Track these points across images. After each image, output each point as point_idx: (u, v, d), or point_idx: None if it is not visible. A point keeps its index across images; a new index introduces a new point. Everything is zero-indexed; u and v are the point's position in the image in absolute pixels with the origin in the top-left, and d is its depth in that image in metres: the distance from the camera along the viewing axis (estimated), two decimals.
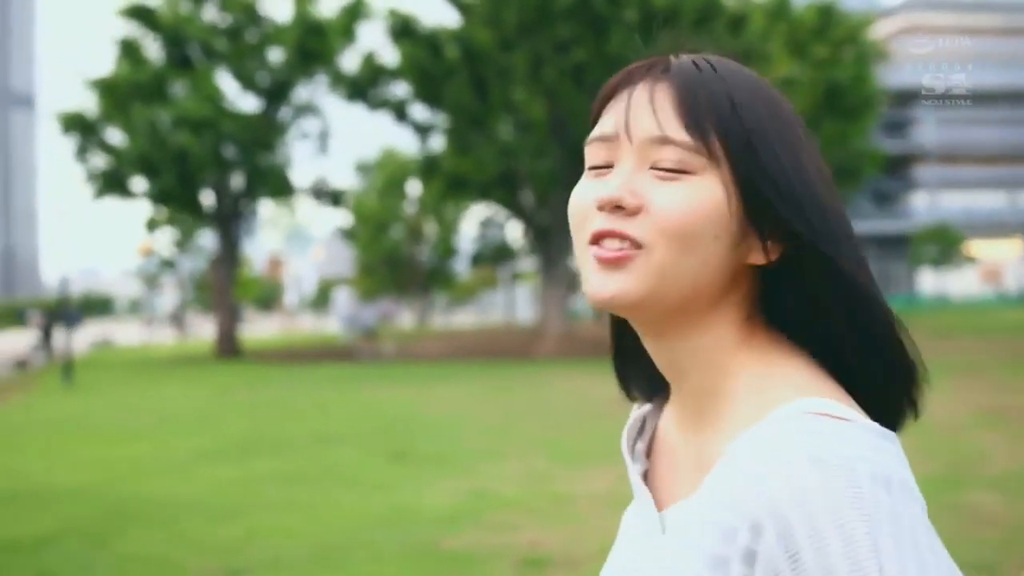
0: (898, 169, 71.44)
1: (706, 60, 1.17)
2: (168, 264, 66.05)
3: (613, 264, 1.10)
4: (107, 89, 34.16)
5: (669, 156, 1.11)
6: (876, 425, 1.07)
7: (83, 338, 49.58)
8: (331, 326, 73.42)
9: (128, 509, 9.76)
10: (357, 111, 66.86)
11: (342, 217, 62.44)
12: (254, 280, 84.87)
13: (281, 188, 35.91)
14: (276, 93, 36.21)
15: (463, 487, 10.25)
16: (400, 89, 33.25)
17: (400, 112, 33.53)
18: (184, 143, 31.80)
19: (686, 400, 1.21)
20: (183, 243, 63.68)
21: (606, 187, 1.12)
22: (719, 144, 1.10)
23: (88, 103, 34.66)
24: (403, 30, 30.38)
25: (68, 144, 34.34)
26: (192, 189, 34.80)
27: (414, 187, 62.15)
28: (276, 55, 35.91)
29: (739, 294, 1.17)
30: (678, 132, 1.10)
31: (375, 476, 11.05)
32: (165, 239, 62.54)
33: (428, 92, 30.91)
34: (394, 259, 64.03)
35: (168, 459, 12.93)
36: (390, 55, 33.06)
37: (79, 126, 34.28)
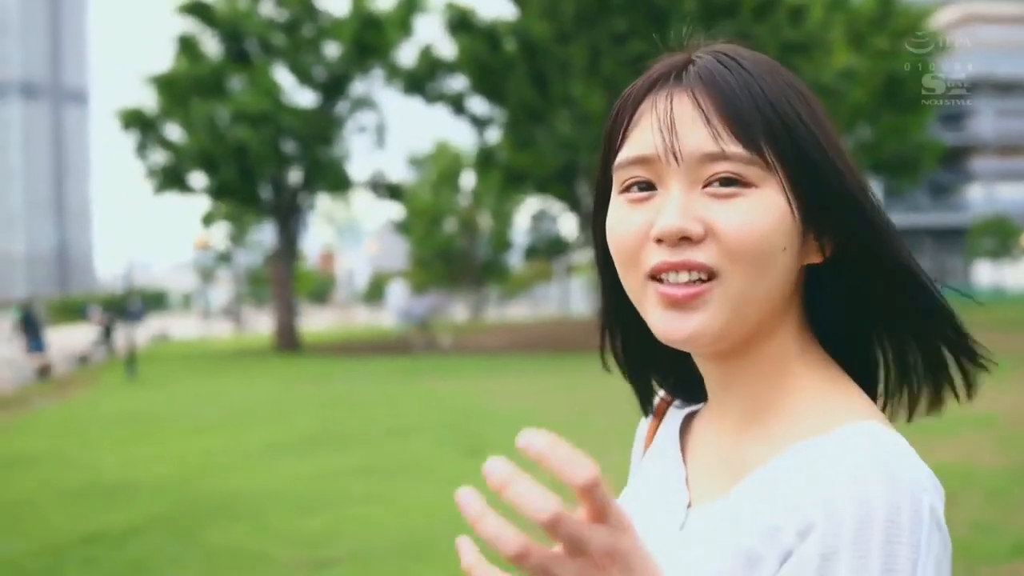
0: (955, 161, 70.65)
1: (729, 56, 1.10)
2: (224, 258, 66.54)
3: (686, 303, 1.05)
4: (166, 85, 34.44)
5: (727, 171, 1.04)
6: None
7: (141, 332, 50.00)
8: (385, 319, 73.82)
9: (210, 502, 9.81)
10: (412, 105, 66.91)
11: (393, 210, 62.59)
12: (308, 274, 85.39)
13: (339, 182, 36.03)
14: (333, 87, 36.35)
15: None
16: (457, 83, 33.31)
17: (457, 105, 33.59)
18: (243, 138, 32.01)
19: (728, 407, 1.17)
20: (238, 237, 64.14)
21: (665, 215, 1.05)
22: (770, 151, 1.05)
23: (147, 99, 34.93)
24: (460, 23, 30.41)
25: (121, 140, 34.73)
26: (251, 183, 35.00)
27: (468, 180, 62.26)
28: (332, 49, 36.03)
29: (795, 300, 1.13)
30: (732, 145, 1.04)
31: (451, 469, 11.03)
32: (220, 233, 63.05)
33: (486, 85, 30.93)
34: (448, 252, 64.15)
35: (242, 452, 12.99)
36: (447, 48, 33.15)
37: (138, 122, 34.57)
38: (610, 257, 1.16)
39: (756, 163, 1.04)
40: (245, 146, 32.14)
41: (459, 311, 77.83)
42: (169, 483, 10.94)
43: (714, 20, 27.56)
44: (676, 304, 1.05)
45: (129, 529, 8.77)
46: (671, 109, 1.07)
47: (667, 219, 1.04)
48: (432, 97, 33.52)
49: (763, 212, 1.04)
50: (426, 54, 33.26)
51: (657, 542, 1.12)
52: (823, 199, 1.07)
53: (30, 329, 33.94)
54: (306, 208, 38.32)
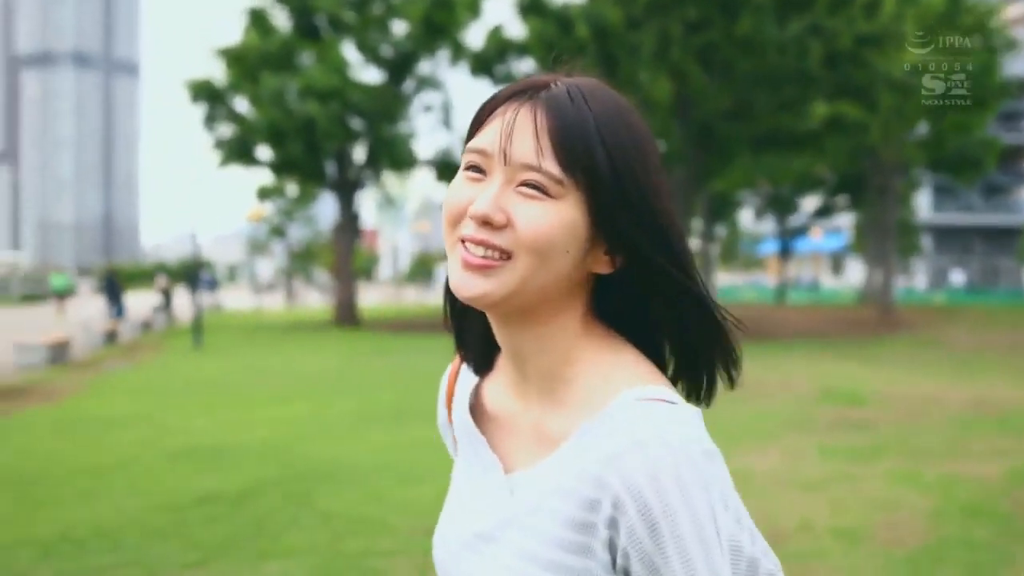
0: (1010, 161, 69.82)
1: (579, 89, 1.30)
2: (277, 231, 66.84)
3: (478, 269, 1.27)
4: (235, 58, 34.60)
5: (537, 180, 1.25)
6: (692, 407, 1.29)
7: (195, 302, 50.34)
8: (436, 297, 73.91)
9: (313, 469, 9.99)
10: (477, 86, 66.68)
11: (433, 188, 62.44)
12: (356, 251, 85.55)
13: (404, 160, 36.05)
14: (399, 66, 36.37)
15: None
16: (525, 65, 33.26)
17: None
18: (311, 112, 32.13)
19: (529, 378, 1.38)
20: (292, 211, 64.46)
21: (480, 200, 1.26)
22: (583, 176, 1.25)
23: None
24: (532, 6, 30.39)
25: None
26: (317, 158, 35.15)
27: None
28: (401, 28, 36.08)
29: (581, 294, 1.35)
30: (550, 164, 1.25)
31: None
32: (273, 207, 63.29)
33: (556, 69, 30.87)
34: None
35: (328, 422, 13.19)
36: (516, 30, 33.13)
37: (207, 94, 34.79)
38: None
39: (561, 183, 1.25)
40: (313, 121, 32.26)
41: None
42: (266, 449, 11.14)
43: (787, 13, 27.48)
44: (471, 268, 1.27)
45: (242, 491, 8.96)
46: (514, 120, 1.28)
47: (479, 205, 1.26)
48: (500, 78, 33.53)
49: (552, 218, 1.25)
50: (495, 35, 33.29)
51: (496, 509, 1.36)
52: (619, 225, 1.28)
53: (112, 294, 34.49)
54: (369, 184, 38.44)
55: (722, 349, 1.38)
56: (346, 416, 13.53)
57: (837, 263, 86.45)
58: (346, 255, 37.17)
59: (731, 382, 1.40)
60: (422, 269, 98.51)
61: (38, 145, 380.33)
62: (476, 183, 1.30)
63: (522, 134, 1.26)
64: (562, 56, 1.43)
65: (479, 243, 1.26)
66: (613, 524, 1.19)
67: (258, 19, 35.25)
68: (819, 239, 73.19)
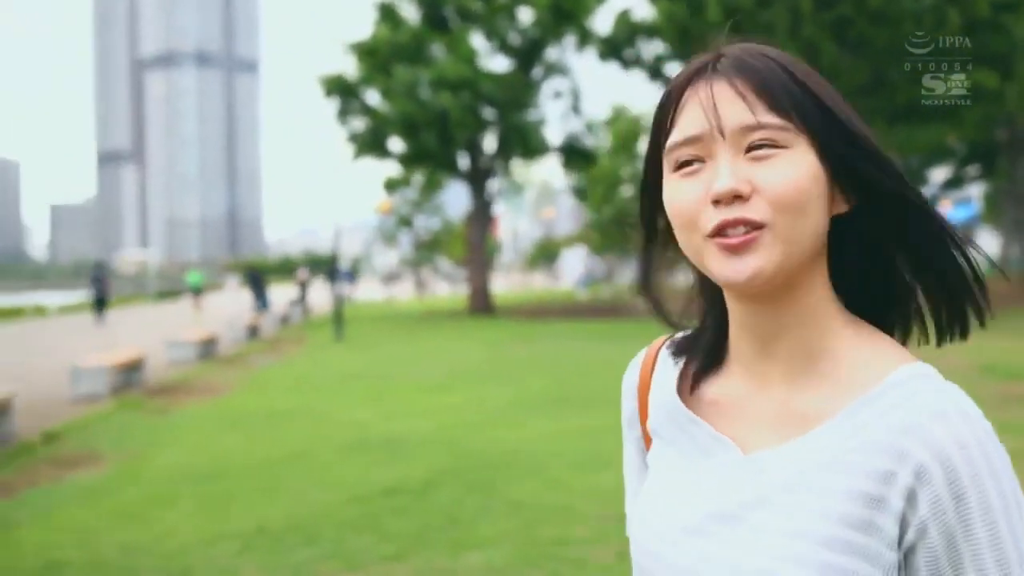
0: None
1: (751, 50, 1.28)
2: (405, 222, 67.42)
3: (743, 248, 1.20)
4: (366, 52, 34.94)
5: (763, 138, 1.21)
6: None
7: (326, 295, 51.23)
8: (563, 284, 74.03)
9: (488, 458, 10.01)
10: (601, 71, 66.67)
11: (550, 174, 62.34)
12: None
13: (535, 147, 36.06)
14: (527, 53, 36.40)
15: None
16: (654, 48, 33.05)
17: (655, 70, 33.32)
18: (444, 103, 32.31)
19: (776, 357, 1.30)
20: (420, 202, 64.99)
21: (719, 180, 1.20)
22: (799, 117, 1.21)
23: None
24: None
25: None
26: (449, 149, 35.34)
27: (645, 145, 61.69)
28: (527, 15, 36.09)
29: (823, 258, 1.29)
30: (766, 115, 1.21)
31: None
32: (400, 198, 63.87)
33: (687, 50, 30.65)
34: (624, 218, 63.78)
35: (488, 411, 13.23)
36: (644, 12, 32.86)
37: (340, 89, 35.20)
38: (654, 226, 1.37)
39: (787, 128, 1.21)
40: (446, 112, 32.44)
41: (626, 276, 77.44)
42: (436, 439, 11.20)
43: None
44: (735, 251, 1.20)
45: (424, 482, 9.01)
46: (712, 93, 1.23)
47: (721, 183, 1.20)
48: (629, 62, 33.36)
49: (797, 167, 1.21)
50: (624, 19, 33.10)
51: (737, 489, 1.27)
52: (848, 155, 1.24)
53: (256, 288, 35.32)
54: (500, 173, 38.57)
55: (974, 279, 1.31)
56: (506, 405, 13.56)
57: (966, 234, 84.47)
58: (479, 244, 37.37)
59: (982, 318, 1.33)
60: (545, 255, 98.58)
61: (163, 144, 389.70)
62: (695, 176, 1.24)
63: (726, 102, 1.22)
64: (699, 39, 1.37)
65: (735, 223, 1.19)
66: (911, 496, 1.15)
67: (387, 12, 35.56)
68: (949, 210, 71.52)
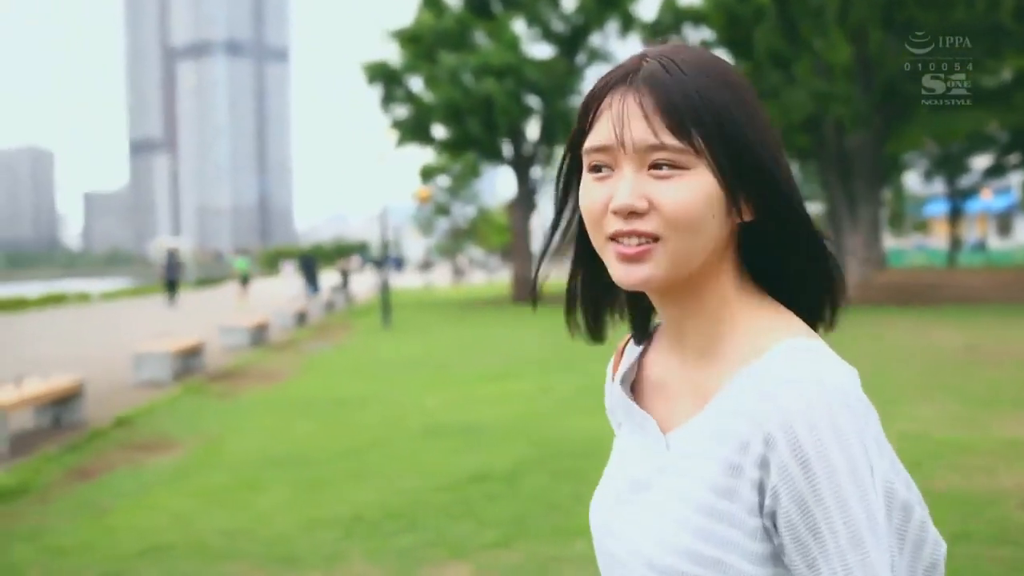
0: None
1: (672, 60, 1.32)
2: (442, 210, 67.48)
3: (636, 258, 1.31)
4: (409, 39, 34.89)
5: (664, 158, 1.29)
6: (850, 367, 1.30)
7: (364, 283, 51.44)
8: None
9: (569, 446, 9.91)
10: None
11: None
12: (502, 226, 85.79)
13: None
14: (571, 40, 36.27)
15: (895, 428, 10.03)
16: (702, 34, 32.80)
17: None
18: (489, 90, 32.23)
19: (686, 339, 1.42)
20: (457, 189, 64.99)
21: (618, 194, 1.30)
22: (699, 140, 1.28)
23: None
24: None
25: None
26: (494, 135, 35.23)
27: None
28: (570, 2, 35.93)
29: (729, 251, 1.39)
30: (668, 137, 1.28)
31: None
32: (436, 186, 63.90)
33: (733, 36, 30.46)
34: None
35: (558, 398, 13.17)
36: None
37: (383, 76, 35.16)
38: (569, 216, 1.50)
39: (687, 151, 1.28)
40: (491, 98, 32.35)
41: None
42: (511, 427, 11.13)
43: None
44: (629, 259, 1.31)
45: (511, 470, 8.95)
46: (622, 108, 1.31)
47: (619, 198, 1.30)
48: None
49: (693, 190, 1.29)
50: (670, 4, 32.86)
51: (651, 460, 1.41)
52: (742, 174, 1.31)
53: (309, 274, 35.57)
54: (544, 160, 38.44)
55: (829, 283, 1.43)
56: (574, 393, 13.49)
57: (1004, 223, 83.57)
58: (522, 231, 37.28)
59: (832, 316, 1.45)
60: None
61: (195, 133, 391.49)
62: (605, 181, 1.34)
63: (633, 119, 1.30)
64: (665, 33, 1.42)
65: (629, 234, 1.30)
66: (764, 464, 1.23)
67: (431, 0, 35.44)
68: (989, 199, 70.88)
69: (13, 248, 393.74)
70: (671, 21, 32.55)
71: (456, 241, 73.13)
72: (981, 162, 59.57)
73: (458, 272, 67.22)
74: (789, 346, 1.30)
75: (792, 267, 1.40)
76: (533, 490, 8.25)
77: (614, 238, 1.32)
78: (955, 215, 64.46)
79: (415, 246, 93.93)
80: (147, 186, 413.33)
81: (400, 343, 21.98)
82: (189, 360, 17.41)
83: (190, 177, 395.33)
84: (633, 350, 1.58)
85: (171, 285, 41.85)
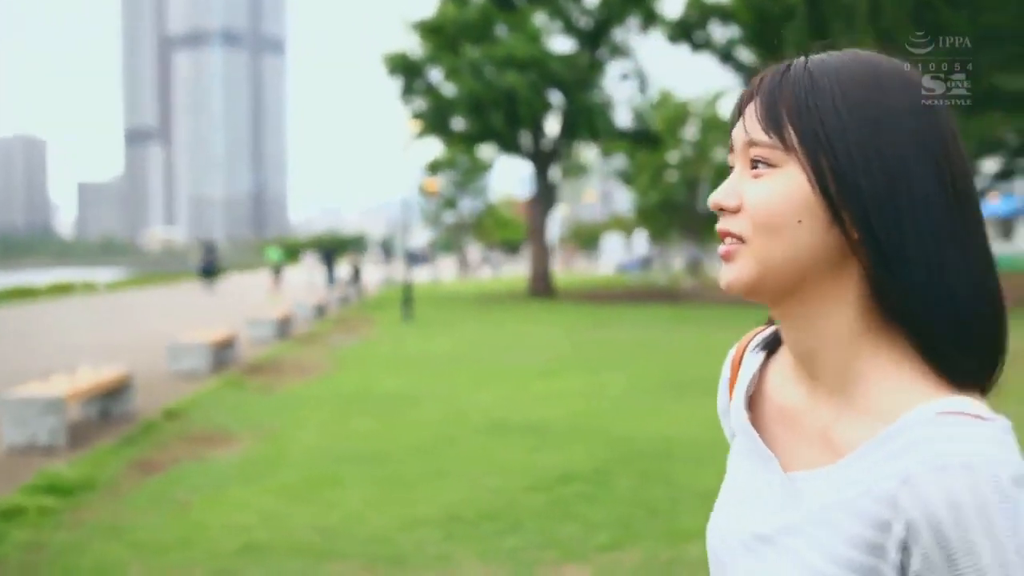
0: None
1: (808, 60, 1.24)
2: (449, 204, 67.32)
3: (726, 257, 1.26)
4: (431, 31, 34.69)
5: (758, 155, 1.23)
6: (1003, 420, 1.16)
7: (373, 276, 51.18)
8: (602, 269, 73.78)
9: (644, 446, 9.78)
10: (660, 54, 66.24)
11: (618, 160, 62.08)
12: (511, 220, 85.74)
13: (602, 129, 35.70)
14: (593, 34, 36.11)
15: None
16: (728, 32, 32.69)
17: (725, 54, 32.95)
18: (511, 83, 32.04)
19: (820, 377, 1.27)
20: (464, 183, 64.84)
21: (717, 190, 1.27)
22: (794, 135, 1.20)
23: (411, 44, 35.16)
24: None
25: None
26: (515, 128, 35.05)
27: (690, 131, 61.55)
28: None
29: (850, 281, 1.23)
30: (759, 133, 1.23)
31: None
32: (443, 179, 63.76)
33: (761, 34, 30.30)
34: (670, 204, 63.48)
35: (612, 396, 13.03)
36: None
37: (403, 67, 34.95)
38: None
39: (777, 147, 1.21)
40: (514, 91, 32.18)
41: (676, 263, 77.17)
42: (575, 425, 10.96)
43: None
44: (722, 257, 1.27)
45: (594, 471, 8.76)
46: (743, 106, 1.28)
47: (712, 195, 1.27)
48: (699, 44, 32.99)
49: (775, 187, 1.21)
50: (696, 2, 32.69)
51: (770, 503, 1.28)
52: (837, 180, 1.18)
53: (329, 266, 35.54)
54: (564, 155, 38.31)
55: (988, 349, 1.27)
56: (627, 390, 13.34)
57: (1007, 228, 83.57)
58: (540, 226, 37.11)
59: (983, 390, 1.27)
60: (584, 238, 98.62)
61: (190, 123, 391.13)
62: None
63: (748, 117, 1.26)
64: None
65: (722, 233, 1.27)
66: (905, 548, 1.12)
67: None
68: (995, 203, 70.86)
69: (5, 236, 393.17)
70: (697, 18, 32.42)
71: (458, 235, 73.00)
72: (990, 166, 59.51)
73: (465, 266, 67.01)
74: (932, 409, 1.16)
75: (919, 316, 1.21)
76: (626, 492, 8.05)
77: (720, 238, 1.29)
78: None
79: (416, 240, 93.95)
80: (141, 176, 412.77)
81: (426, 338, 21.75)
82: (222, 352, 17.20)
83: (184, 167, 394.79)
84: (754, 357, 1.44)
85: (208, 273, 45.12)
